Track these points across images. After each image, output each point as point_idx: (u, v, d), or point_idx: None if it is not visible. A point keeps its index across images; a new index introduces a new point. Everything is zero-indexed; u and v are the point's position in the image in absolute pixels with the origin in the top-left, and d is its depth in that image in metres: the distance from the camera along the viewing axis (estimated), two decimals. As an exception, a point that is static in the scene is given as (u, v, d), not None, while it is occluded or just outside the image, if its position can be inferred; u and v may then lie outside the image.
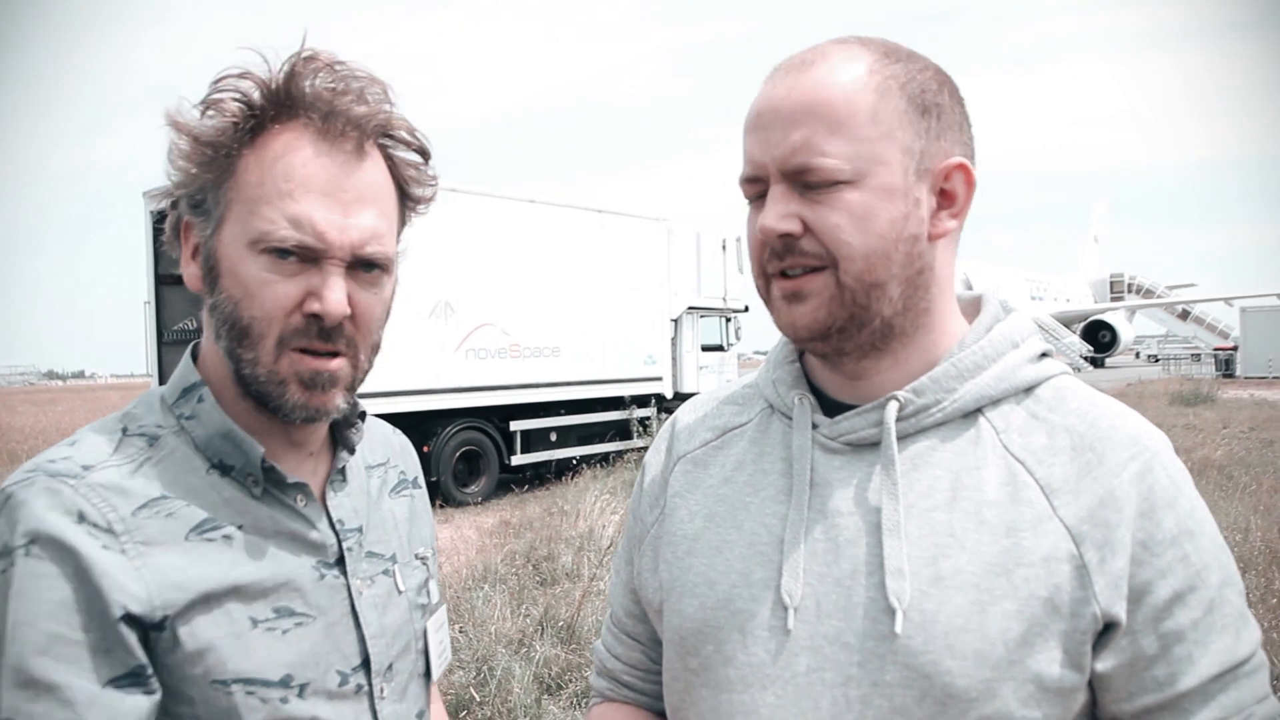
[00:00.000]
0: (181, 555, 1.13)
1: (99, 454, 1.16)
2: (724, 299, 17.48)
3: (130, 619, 1.08)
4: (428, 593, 1.43)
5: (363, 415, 1.40)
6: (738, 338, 18.32)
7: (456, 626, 6.28)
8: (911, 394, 1.17)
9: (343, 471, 1.35)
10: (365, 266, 1.21)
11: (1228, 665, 1.06)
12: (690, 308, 16.63)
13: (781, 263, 1.15)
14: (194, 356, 1.29)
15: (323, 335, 1.18)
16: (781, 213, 1.13)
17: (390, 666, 1.31)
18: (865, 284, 1.13)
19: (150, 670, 1.10)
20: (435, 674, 1.41)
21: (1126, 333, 62.62)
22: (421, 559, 1.44)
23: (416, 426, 12.46)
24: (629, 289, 15.32)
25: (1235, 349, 41.88)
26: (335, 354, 1.21)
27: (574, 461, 14.84)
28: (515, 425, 14.00)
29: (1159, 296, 67.73)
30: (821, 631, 1.13)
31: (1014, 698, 1.05)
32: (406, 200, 1.31)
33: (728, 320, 17.99)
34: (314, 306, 1.17)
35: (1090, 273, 72.50)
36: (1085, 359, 52.93)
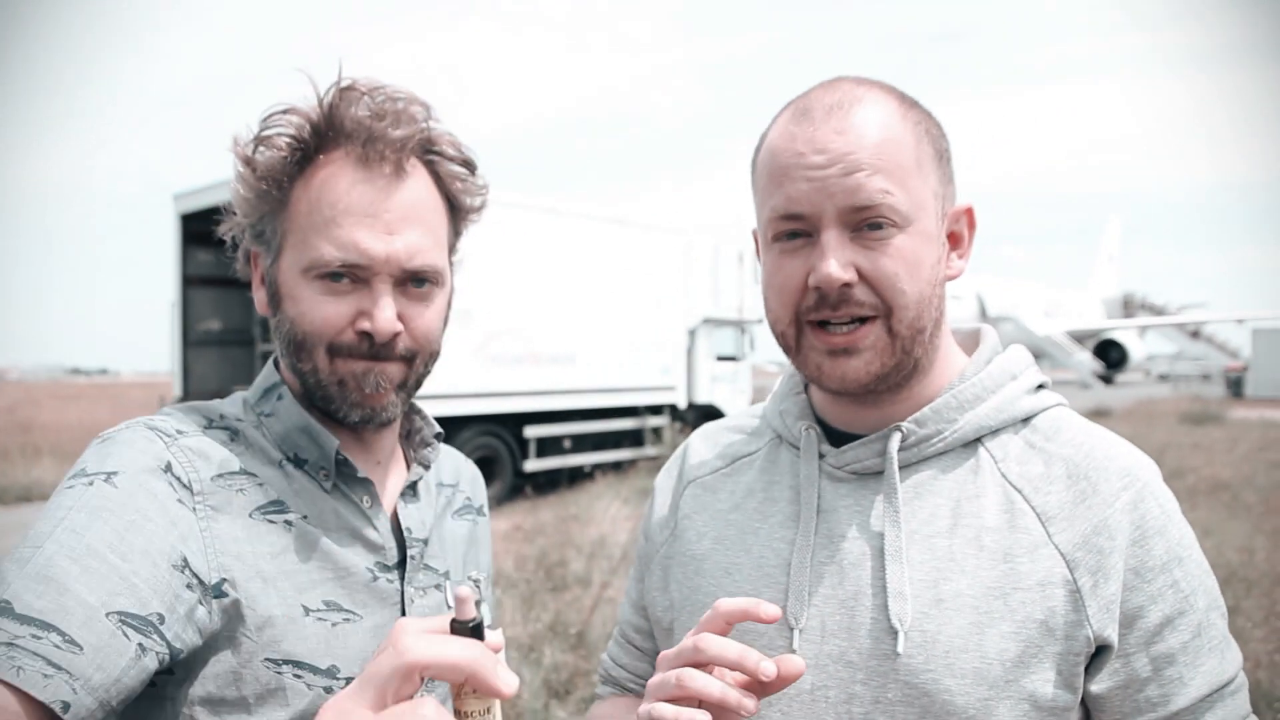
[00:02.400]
0: (243, 530, 1.19)
1: (191, 426, 1.25)
2: (740, 310, 17.57)
3: (186, 567, 1.11)
4: (479, 614, 1.45)
5: (439, 436, 1.47)
6: (752, 349, 18.40)
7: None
8: (914, 425, 1.22)
9: (414, 486, 1.41)
10: (415, 281, 1.27)
11: (1216, 685, 1.12)
12: (706, 318, 16.73)
13: (833, 312, 1.16)
14: (276, 362, 1.38)
15: (374, 352, 1.25)
16: (843, 261, 1.13)
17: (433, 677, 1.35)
18: (914, 330, 1.17)
19: (163, 623, 1.06)
20: None
21: (1138, 351, 62.36)
22: (475, 581, 1.47)
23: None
24: (646, 299, 15.43)
25: (1245, 369, 41.67)
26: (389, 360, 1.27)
27: (587, 469, 14.93)
28: (530, 431, 14.10)
29: (1170, 315, 67.50)
30: (826, 651, 1.18)
31: (1010, 715, 1.10)
32: (457, 212, 1.36)
33: (743, 331, 18.08)
34: (365, 325, 1.23)
35: (1104, 290, 72.27)
36: (1096, 376, 52.78)
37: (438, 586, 1.40)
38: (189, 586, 1.11)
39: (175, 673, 1.15)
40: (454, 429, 12.85)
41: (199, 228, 13.20)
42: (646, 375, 15.66)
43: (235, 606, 1.15)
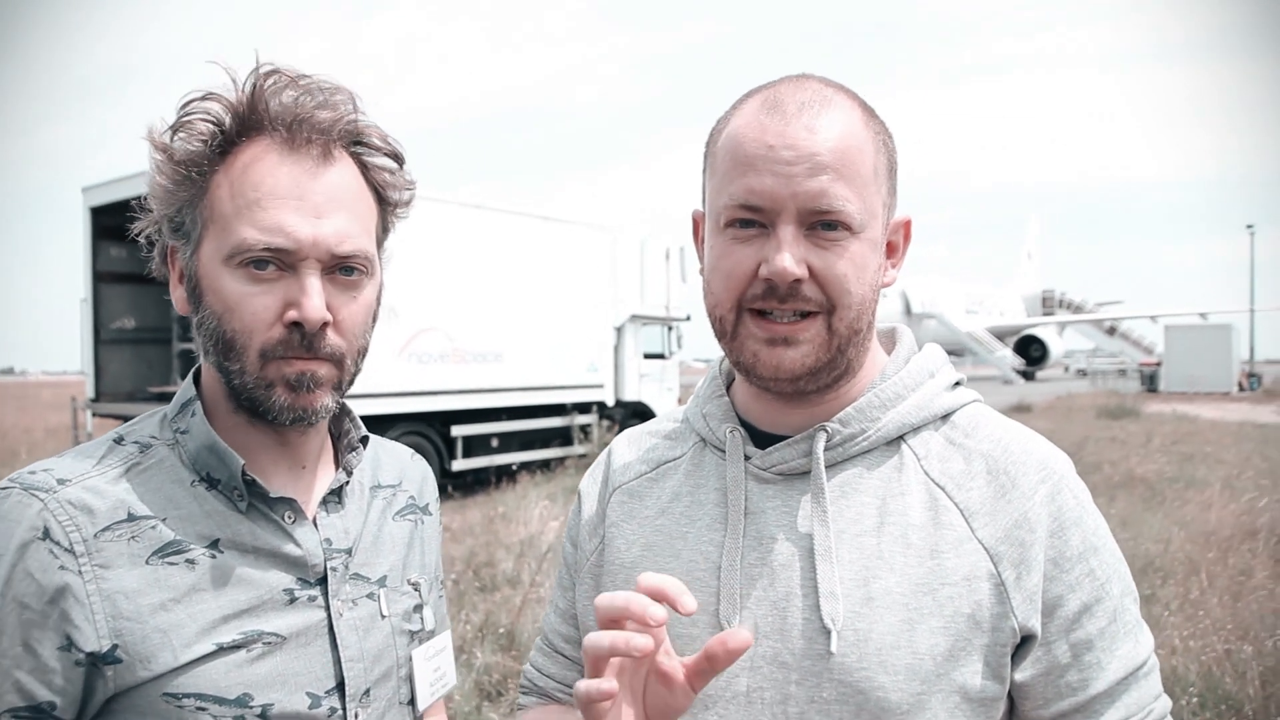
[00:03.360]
0: (138, 580, 1.15)
1: (79, 468, 1.20)
2: (667, 307, 17.58)
3: (71, 646, 1.12)
4: (420, 619, 1.42)
5: (365, 440, 1.42)
6: (679, 346, 18.43)
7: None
8: (838, 424, 1.24)
9: (339, 492, 1.36)
10: (344, 270, 1.23)
11: (1131, 668, 1.17)
12: (633, 315, 16.68)
13: (780, 304, 1.17)
14: (197, 374, 1.32)
15: (305, 344, 1.20)
16: (798, 256, 1.15)
17: (368, 691, 1.30)
18: (851, 331, 1.19)
19: (55, 708, 1.12)
20: (422, 703, 1.40)
21: (1057, 347, 63.86)
22: (414, 585, 1.43)
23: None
24: (573, 296, 15.35)
25: (1159, 364, 42.83)
26: (319, 359, 1.22)
27: (514, 467, 14.84)
28: (457, 430, 13.94)
29: (1088, 312, 69.28)
30: (759, 653, 1.19)
31: (942, 708, 1.13)
32: (385, 206, 1.32)
33: (670, 329, 18.09)
34: (293, 315, 1.18)
35: (1023, 288, 73.83)
36: (1017, 372, 53.88)
37: (370, 596, 1.35)
38: (77, 664, 1.12)
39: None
40: (380, 428, 12.43)
41: (110, 221, 12.79)
42: (574, 373, 15.57)
43: (130, 669, 1.14)
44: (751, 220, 1.17)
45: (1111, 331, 64.30)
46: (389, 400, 12.58)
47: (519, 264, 14.38)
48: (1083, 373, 62.91)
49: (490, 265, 13.89)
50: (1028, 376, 57.24)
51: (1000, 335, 58.40)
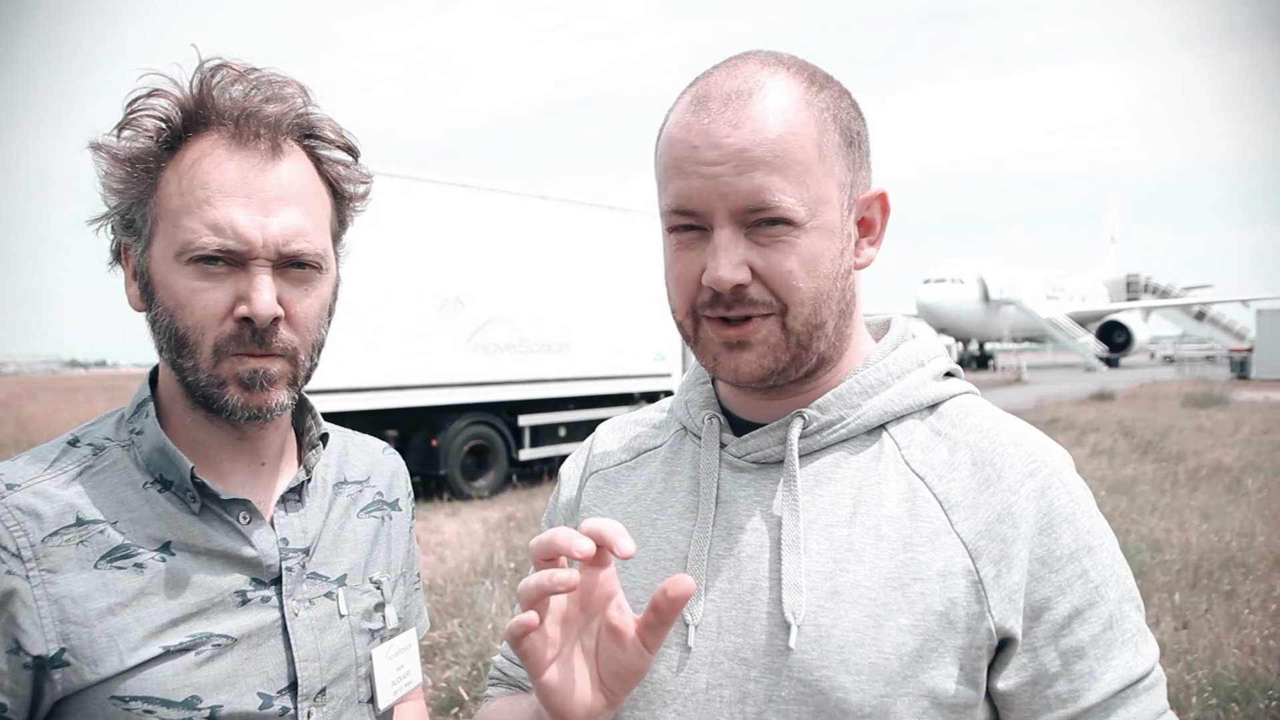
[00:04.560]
0: (85, 584, 1.16)
1: (29, 472, 1.20)
2: (734, 296, 17.47)
3: (19, 650, 1.13)
4: (382, 618, 1.40)
5: (325, 437, 1.41)
6: (748, 335, 18.32)
7: (455, 621, 6.27)
8: (816, 411, 1.18)
9: (298, 490, 1.35)
10: (295, 265, 1.22)
11: (1129, 680, 1.07)
12: (700, 304, 16.62)
13: (727, 310, 1.12)
14: (154, 374, 1.32)
15: (257, 339, 1.20)
16: (735, 261, 1.09)
17: (323, 691, 1.29)
18: (810, 326, 1.13)
19: (5, 710, 1.13)
20: (384, 702, 1.39)
21: (1142, 333, 62.27)
22: (376, 583, 1.41)
23: (426, 420, 12.55)
24: (639, 285, 15.31)
25: (1250, 350, 41.51)
26: (272, 355, 1.22)
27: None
28: (524, 420, 14.01)
29: (1175, 297, 67.42)
30: (721, 648, 1.14)
31: (908, 714, 1.05)
32: (340, 199, 1.31)
33: (738, 317, 17.98)
34: (243, 310, 1.18)
35: (1106, 273, 72.18)
36: (1100, 359, 52.68)
37: (328, 595, 1.34)
38: (25, 666, 1.13)
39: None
40: (447, 418, 12.82)
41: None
42: (641, 362, 15.56)
43: (77, 672, 1.15)
44: (691, 224, 1.13)
45: (1200, 316, 62.55)
46: (456, 390, 12.67)
47: (584, 254, 14.38)
48: (1170, 359, 61.18)
49: (556, 255, 13.92)
50: (1112, 364, 55.92)
51: (1082, 321, 57.17)
